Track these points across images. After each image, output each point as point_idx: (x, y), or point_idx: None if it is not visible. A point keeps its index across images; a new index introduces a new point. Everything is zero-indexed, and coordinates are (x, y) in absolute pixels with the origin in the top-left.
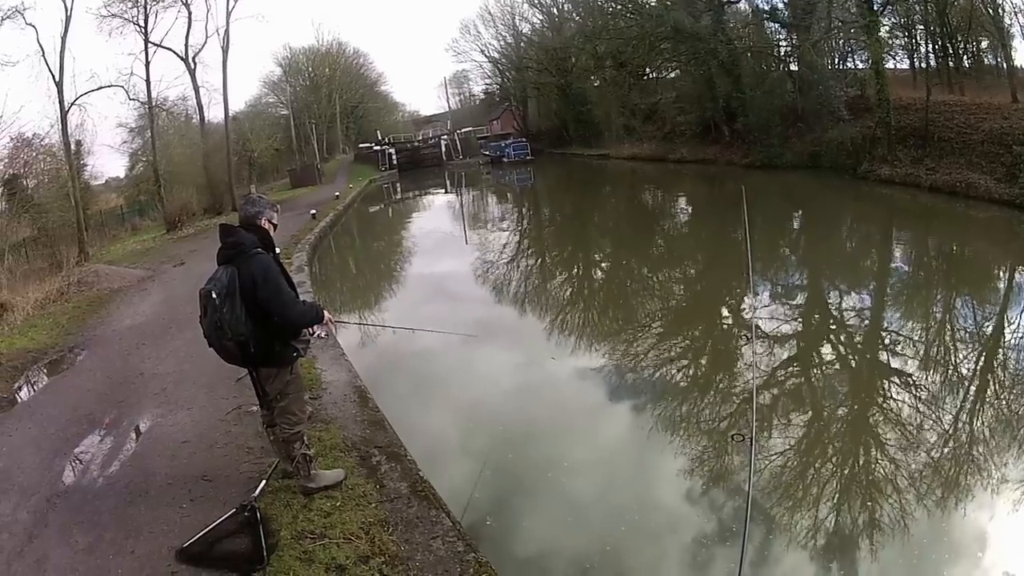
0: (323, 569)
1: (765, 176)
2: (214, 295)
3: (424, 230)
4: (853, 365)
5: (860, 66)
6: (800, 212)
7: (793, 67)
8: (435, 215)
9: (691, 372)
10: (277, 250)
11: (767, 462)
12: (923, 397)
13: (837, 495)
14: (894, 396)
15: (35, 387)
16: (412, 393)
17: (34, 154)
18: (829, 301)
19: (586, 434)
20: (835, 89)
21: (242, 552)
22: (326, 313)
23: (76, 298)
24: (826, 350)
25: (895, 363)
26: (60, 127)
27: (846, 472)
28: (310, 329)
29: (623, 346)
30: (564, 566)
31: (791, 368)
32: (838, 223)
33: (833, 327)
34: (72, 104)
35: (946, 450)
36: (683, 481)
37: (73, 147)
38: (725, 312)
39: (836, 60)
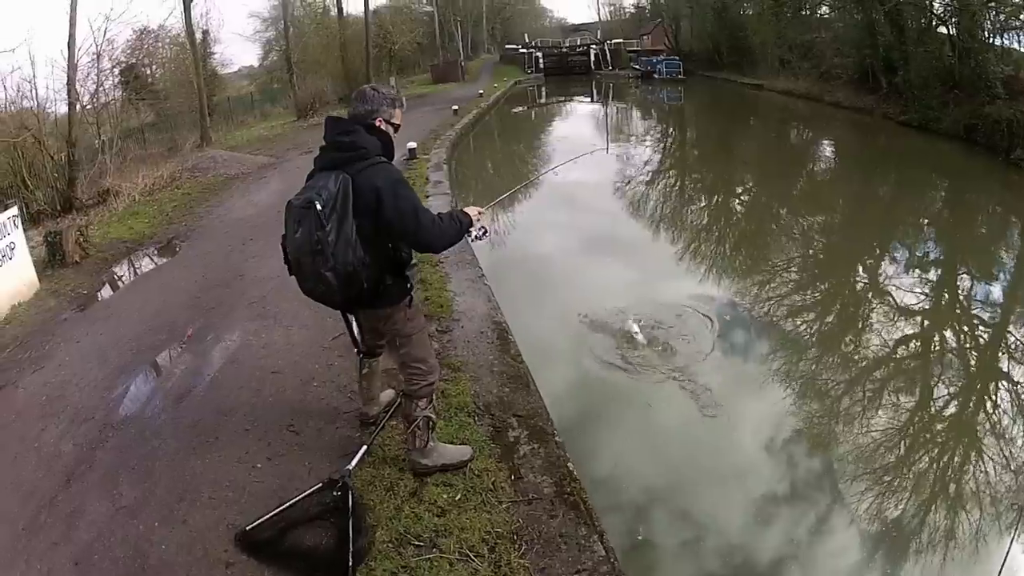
0: None
1: (920, 139)
2: (319, 205)
3: (566, 136)
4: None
5: (1016, 46)
6: (947, 186)
7: (953, 31)
8: (579, 123)
9: (818, 327)
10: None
11: None
12: None
13: None
14: None
15: (120, 283)
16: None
17: (156, 43)
18: (958, 286)
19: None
20: (992, 63)
21: (320, 551)
22: (473, 211)
23: (188, 184)
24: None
25: None
26: (183, 15)
27: None
28: (469, 234)
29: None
30: None
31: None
32: (982, 207)
33: (957, 311)
34: None
35: None
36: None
37: (200, 36)
38: (862, 274)
39: (994, 34)
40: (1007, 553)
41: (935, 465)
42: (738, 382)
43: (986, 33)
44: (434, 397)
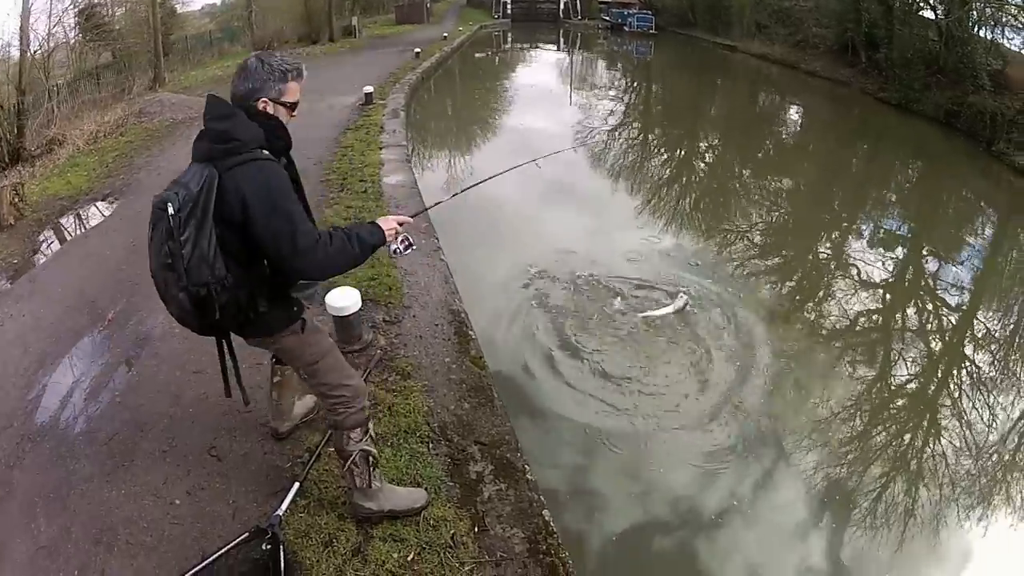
0: None
1: (897, 117)
2: (171, 209)
3: (529, 84)
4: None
5: (1006, 43)
6: (922, 166)
7: (941, 16)
8: (543, 71)
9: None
10: (290, 159)
11: None
12: None
13: None
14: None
15: (50, 249)
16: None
17: None
18: (924, 266)
19: None
20: (979, 55)
21: None
22: (390, 222)
23: (133, 131)
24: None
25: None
26: None
27: None
28: (390, 249)
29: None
30: None
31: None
32: (956, 196)
33: (920, 291)
34: None
35: None
36: None
37: None
38: (825, 245)
39: (982, 26)
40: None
41: (891, 441)
42: (689, 352)
43: (975, 25)
44: (370, 425)
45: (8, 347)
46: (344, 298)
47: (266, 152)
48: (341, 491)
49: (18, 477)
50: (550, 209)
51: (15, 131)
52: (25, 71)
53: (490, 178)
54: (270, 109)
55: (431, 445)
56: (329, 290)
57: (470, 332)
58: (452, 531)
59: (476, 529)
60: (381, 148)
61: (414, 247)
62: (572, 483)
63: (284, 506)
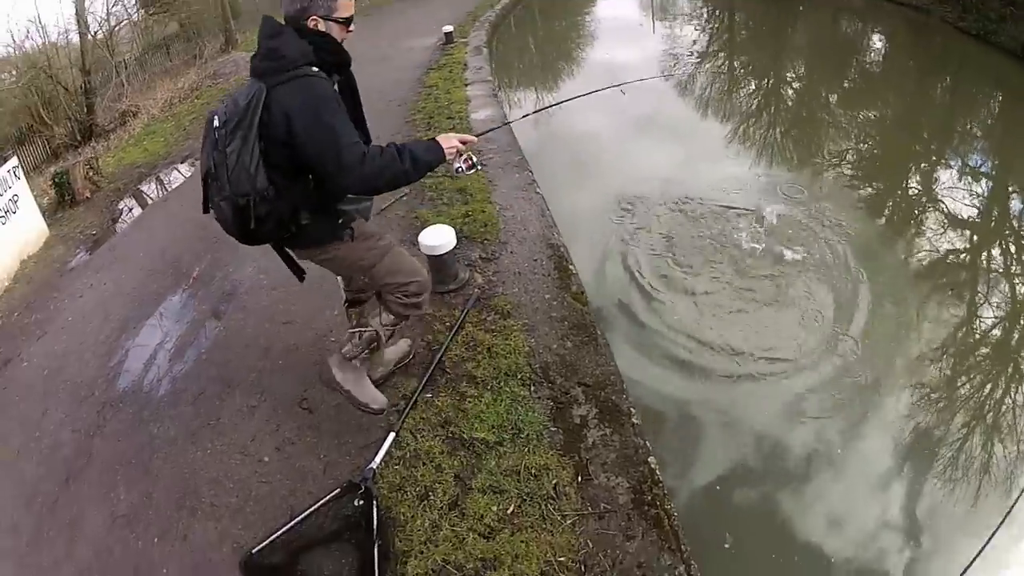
0: None
1: (976, 48)
2: (216, 122)
3: (611, 16)
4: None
5: None
6: (1002, 101)
7: None
8: (623, 2)
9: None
10: (342, 76)
11: None
12: None
13: None
14: None
15: (130, 217)
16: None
17: None
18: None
19: None
20: None
21: None
22: (451, 140)
23: (208, 93)
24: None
25: None
26: None
27: None
28: (453, 167)
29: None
30: None
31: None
32: None
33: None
34: None
35: None
36: None
37: None
38: (915, 178)
39: None
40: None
41: (974, 391)
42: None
43: None
44: (409, 316)
45: (88, 316)
46: (438, 236)
47: (315, 69)
48: (439, 440)
49: (98, 445)
50: (637, 139)
51: (84, 110)
52: (87, 52)
53: (571, 99)
54: (321, 26)
55: (533, 388)
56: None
57: (570, 267)
58: (555, 480)
59: (579, 478)
60: (466, 85)
61: (479, 166)
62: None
63: (378, 459)
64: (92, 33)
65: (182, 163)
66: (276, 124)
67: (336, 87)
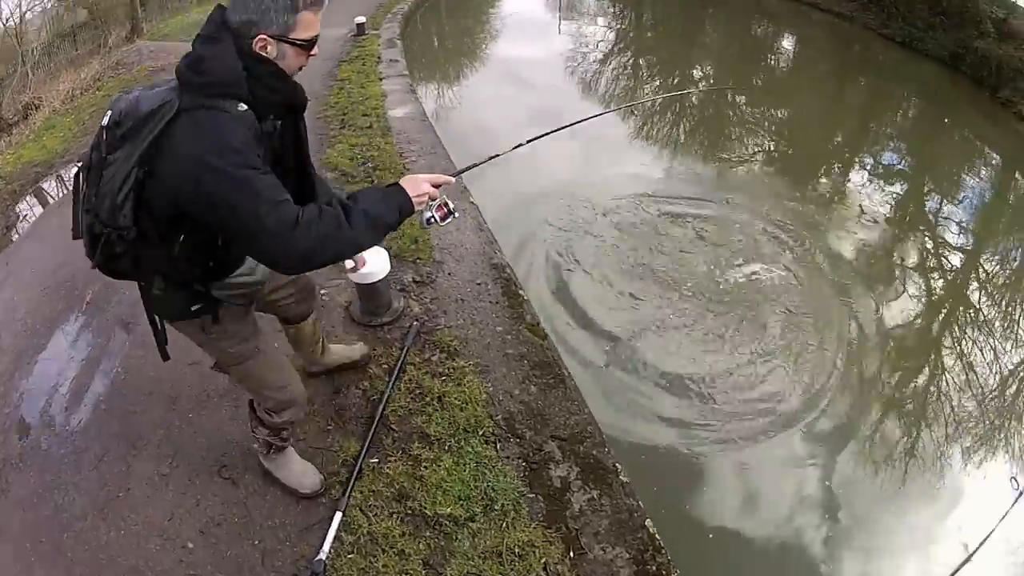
0: None
1: (901, 54)
2: (105, 120)
3: (515, 12)
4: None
5: None
6: (924, 106)
7: None
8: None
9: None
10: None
11: None
12: None
13: None
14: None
15: (25, 223)
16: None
17: None
18: (925, 205)
19: None
20: (983, 1)
21: None
22: (420, 183)
23: (110, 84)
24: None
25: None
26: None
27: None
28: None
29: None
30: None
31: None
32: (960, 134)
33: (921, 228)
34: None
35: None
36: None
37: None
38: (827, 177)
39: None
40: None
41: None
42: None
43: None
44: (285, 430)
45: None
46: (369, 261)
47: (241, 107)
48: (396, 518)
49: (5, 516)
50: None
51: None
52: None
53: (554, 131)
54: (270, 50)
55: (499, 446)
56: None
57: (520, 291)
58: (543, 559)
59: (572, 554)
60: (381, 79)
61: (455, 214)
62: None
63: (326, 547)
64: (4, 21)
65: (78, 162)
66: (166, 159)
67: (272, 131)
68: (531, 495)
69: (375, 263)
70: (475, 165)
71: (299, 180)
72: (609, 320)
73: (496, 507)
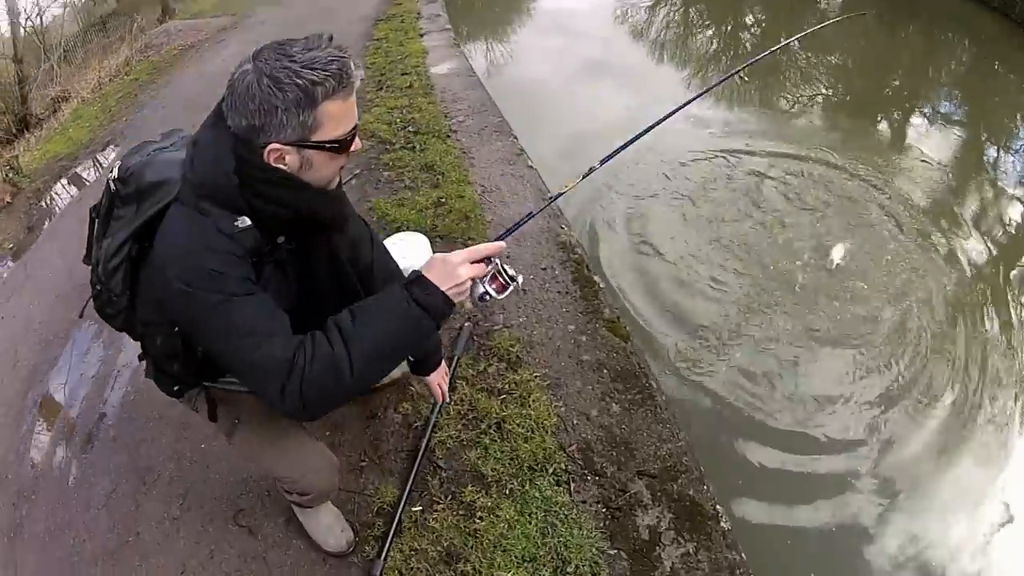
0: None
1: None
2: (112, 184)
3: None
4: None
5: None
6: (976, 52)
7: None
8: None
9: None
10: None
11: None
12: None
13: None
14: None
15: (46, 221)
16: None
17: None
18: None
19: None
20: None
21: None
22: (452, 267)
23: (138, 68)
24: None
25: None
26: None
27: None
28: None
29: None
30: None
31: None
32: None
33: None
34: None
35: None
36: None
37: None
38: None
39: None
40: None
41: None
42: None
43: None
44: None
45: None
46: (403, 250)
47: (242, 223)
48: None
49: (21, 556)
50: (599, 88)
51: (20, 100)
52: (18, 40)
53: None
54: (289, 160)
55: (573, 487)
56: None
57: (595, 277)
58: None
59: None
60: (422, 35)
61: (518, 280)
62: None
63: (384, 552)
64: (27, 18)
65: (103, 151)
66: (154, 249)
67: (284, 256)
68: (612, 551)
69: (411, 250)
70: (525, 220)
71: (340, 303)
72: (700, 312)
73: (569, 570)
